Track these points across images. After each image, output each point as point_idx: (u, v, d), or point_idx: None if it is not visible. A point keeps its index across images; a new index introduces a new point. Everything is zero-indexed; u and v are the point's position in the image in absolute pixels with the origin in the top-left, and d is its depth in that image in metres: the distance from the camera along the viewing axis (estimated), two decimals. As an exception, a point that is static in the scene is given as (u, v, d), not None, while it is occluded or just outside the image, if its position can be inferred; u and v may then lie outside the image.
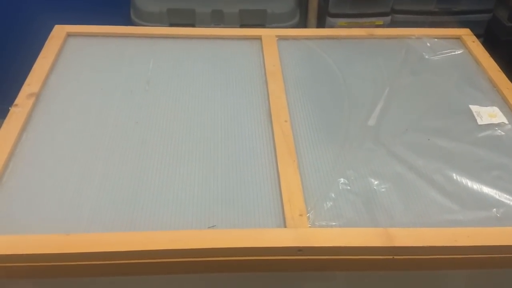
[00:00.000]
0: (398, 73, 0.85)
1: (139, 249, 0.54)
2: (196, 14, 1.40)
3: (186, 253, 0.55)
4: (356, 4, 1.40)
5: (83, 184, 0.62)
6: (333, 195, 0.62)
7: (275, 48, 0.89)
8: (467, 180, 0.65)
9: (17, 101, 0.73)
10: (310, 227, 0.58)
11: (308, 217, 0.59)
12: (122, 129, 0.71)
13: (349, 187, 0.63)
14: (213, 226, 0.58)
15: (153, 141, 0.70)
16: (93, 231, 0.56)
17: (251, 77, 0.83)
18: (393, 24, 1.41)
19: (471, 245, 0.57)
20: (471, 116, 0.76)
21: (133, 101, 0.77)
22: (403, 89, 0.81)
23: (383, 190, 0.63)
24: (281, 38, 0.92)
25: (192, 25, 1.39)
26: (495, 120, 0.75)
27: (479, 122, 0.75)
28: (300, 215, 0.59)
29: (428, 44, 0.92)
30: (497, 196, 0.63)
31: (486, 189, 0.64)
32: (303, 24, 1.48)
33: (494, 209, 0.61)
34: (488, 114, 0.77)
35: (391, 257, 0.56)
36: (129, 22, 1.40)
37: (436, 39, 0.94)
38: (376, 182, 0.64)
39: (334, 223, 0.59)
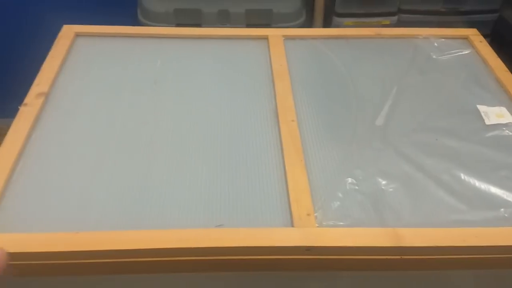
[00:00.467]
0: (406, 73, 0.85)
1: (147, 247, 0.54)
2: (202, 14, 1.40)
3: (193, 251, 0.55)
4: (363, 4, 1.39)
5: (92, 183, 0.63)
6: (340, 195, 0.62)
7: (281, 47, 0.90)
8: (475, 180, 0.65)
9: (26, 100, 0.74)
10: (317, 226, 0.58)
11: (316, 217, 0.59)
12: (130, 128, 0.72)
13: (356, 187, 0.63)
14: (220, 225, 0.58)
15: (161, 140, 0.70)
16: (101, 229, 0.57)
17: (257, 76, 0.84)
18: (399, 24, 1.41)
19: (479, 245, 0.56)
20: (479, 116, 0.76)
21: (141, 100, 0.77)
22: (411, 89, 0.81)
23: (391, 190, 0.63)
24: (288, 37, 0.93)
25: (199, 25, 1.39)
26: (502, 120, 0.75)
27: (487, 122, 0.75)
28: (308, 214, 0.59)
29: (436, 44, 0.92)
30: (505, 196, 0.63)
31: (494, 189, 0.64)
32: (309, 24, 1.48)
33: (502, 209, 0.61)
34: (495, 114, 0.77)
35: (399, 257, 0.56)
36: (136, 22, 1.41)
37: (443, 39, 0.94)
38: (384, 182, 0.64)
39: (342, 223, 0.59)
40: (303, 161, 0.66)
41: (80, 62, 0.84)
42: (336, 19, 1.42)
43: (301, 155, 0.67)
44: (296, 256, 0.56)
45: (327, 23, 1.47)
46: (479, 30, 0.96)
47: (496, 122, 0.75)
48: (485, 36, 0.95)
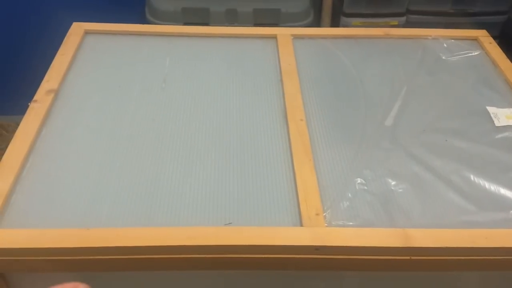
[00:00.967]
0: (415, 74, 0.85)
1: (157, 244, 0.54)
2: (210, 13, 1.40)
3: (202, 249, 0.55)
4: (371, 4, 1.39)
5: (102, 180, 0.63)
6: (350, 195, 0.62)
7: (290, 47, 0.90)
8: (485, 182, 0.65)
9: (36, 97, 0.74)
10: (326, 226, 0.58)
11: (325, 217, 0.59)
12: (139, 126, 0.72)
13: (366, 187, 0.63)
14: (229, 223, 0.58)
15: (170, 138, 0.70)
16: (111, 226, 0.57)
17: (266, 76, 0.84)
18: (408, 25, 1.40)
19: (488, 246, 0.56)
20: (488, 118, 0.76)
21: (149, 98, 0.77)
22: (420, 90, 0.81)
23: (400, 190, 0.63)
24: (296, 37, 0.93)
25: (206, 24, 1.39)
26: (512, 122, 0.75)
27: (496, 123, 0.75)
28: (317, 214, 0.59)
29: (445, 44, 0.92)
30: (514, 198, 0.63)
31: (504, 191, 0.64)
32: (316, 23, 1.48)
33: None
34: (505, 116, 0.76)
35: (408, 257, 0.56)
36: (144, 21, 1.41)
37: (452, 40, 0.93)
38: (393, 183, 0.64)
39: (351, 223, 0.59)
40: (312, 160, 0.66)
41: (89, 59, 0.84)
42: (344, 19, 1.42)
43: (310, 154, 0.67)
44: (304, 256, 0.56)
45: (335, 23, 1.46)
46: (488, 31, 0.96)
47: (506, 124, 0.75)
48: (494, 37, 0.95)
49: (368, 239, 0.56)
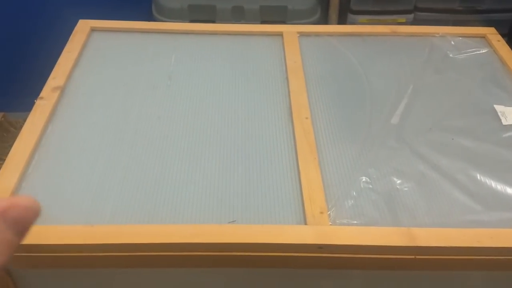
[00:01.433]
0: (422, 71, 0.84)
1: (161, 241, 0.54)
2: (216, 10, 1.40)
3: (206, 246, 0.55)
4: (378, 1, 1.38)
5: (107, 177, 0.63)
6: (354, 193, 0.62)
7: (296, 44, 0.89)
8: (491, 181, 0.64)
9: (42, 94, 0.74)
10: (331, 225, 0.58)
11: (329, 215, 0.59)
12: (145, 123, 0.72)
13: (371, 186, 0.63)
14: (233, 221, 0.58)
15: (175, 136, 0.70)
16: (116, 223, 0.57)
17: (272, 73, 0.83)
18: (415, 22, 1.40)
19: (494, 246, 0.56)
20: (496, 116, 0.75)
21: (155, 95, 0.77)
22: (427, 88, 0.81)
23: (405, 189, 0.63)
24: (302, 34, 0.92)
25: (213, 21, 1.40)
26: (520, 121, 0.74)
27: (504, 122, 0.74)
28: (321, 212, 0.59)
29: (453, 42, 0.91)
30: (521, 198, 0.62)
31: (510, 190, 0.63)
32: (323, 21, 1.47)
33: (518, 211, 0.61)
34: (513, 114, 0.75)
35: (412, 256, 0.56)
36: (150, 18, 1.42)
37: (460, 38, 0.92)
38: (398, 181, 0.63)
39: (355, 222, 0.58)
40: (316, 159, 0.66)
41: (95, 57, 0.85)
42: (351, 16, 1.41)
43: (315, 152, 0.67)
44: (308, 254, 0.56)
45: (341, 20, 1.46)
46: (496, 29, 0.95)
47: (513, 123, 0.74)
48: (502, 35, 0.94)
49: (372, 237, 0.56)
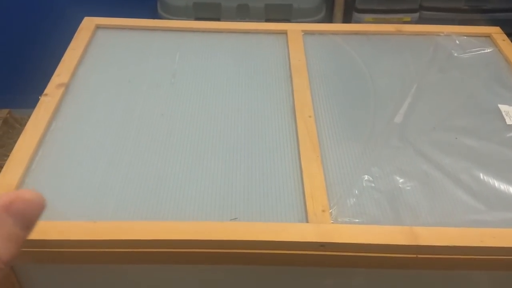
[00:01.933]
0: (426, 71, 0.84)
1: (162, 238, 0.54)
2: (221, 8, 1.40)
3: (208, 244, 0.55)
4: (384, 0, 1.38)
5: (110, 173, 0.63)
6: (356, 192, 0.62)
7: (300, 42, 0.89)
8: (494, 181, 0.64)
9: (46, 90, 0.75)
10: (332, 223, 0.58)
11: (331, 213, 0.59)
12: (148, 120, 0.72)
13: (373, 185, 0.63)
14: (235, 218, 0.59)
15: (178, 133, 0.70)
16: (118, 219, 0.57)
17: (276, 71, 0.83)
18: (421, 21, 1.39)
19: (497, 246, 0.56)
20: (500, 116, 0.75)
21: (159, 93, 0.78)
22: (431, 87, 0.80)
23: (408, 188, 0.62)
24: (307, 32, 0.92)
25: (218, 19, 1.40)
26: (524, 121, 0.74)
27: (508, 122, 0.74)
28: (323, 210, 0.59)
29: (457, 41, 0.91)
30: (525, 198, 0.62)
31: (514, 190, 0.63)
32: (329, 19, 1.47)
33: (522, 211, 0.60)
34: (517, 114, 0.75)
35: (414, 255, 0.56)
36: (155, 16, 1.42)
37: (465, 37, 0.92)
38: (401, 180, 0.63)
39: (357, 220, 0.58)
40: (319, 157, 0.66)
41: (100, 54, 0.85)
42: (356, 15, 1.41)
43: (318, 151, 0.67)
44: (310, 252, 0.56)
45: (347, 19, 1.46)
46: (502, 28, 0.94)
47: (518, 122, 0.73)
48: (508, 34, 0.94)
49: (374, 236, 0.56)
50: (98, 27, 0.91)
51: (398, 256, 0.56)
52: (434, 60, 0.86)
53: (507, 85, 0.81)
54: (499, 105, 0.77)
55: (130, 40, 0.89)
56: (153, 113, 0.73)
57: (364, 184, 0.63)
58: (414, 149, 0.68)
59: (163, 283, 0.62)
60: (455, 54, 0.88)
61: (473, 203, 0.61)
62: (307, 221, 0.58)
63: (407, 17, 1.39)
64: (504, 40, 0.91)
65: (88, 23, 0.91)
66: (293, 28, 0.93)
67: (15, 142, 0.66)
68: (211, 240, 0.55)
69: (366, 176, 0.64)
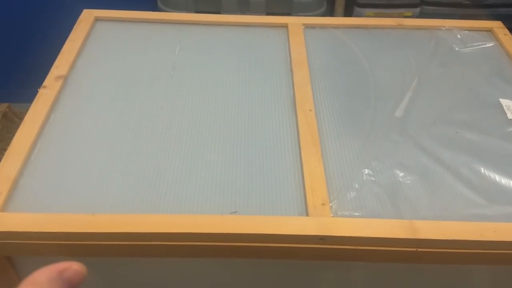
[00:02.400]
0: (427, 65, 0.83)
1: (162, 231, 0.54)
2: (222, 1, 1.40)
3: (207, 237, 0.55)
4: (385, -6, 1.38)
5: (109, 166, 0.63)
6: (357, 186, 0.62)
7: (301, 36, 0.89)
8: (495, 175, 0.64)
9: (45, 83, 0.74)
10: (332, 216, 0.57)
11: (331, 207, 0.58)
12: (148, 113, 0.72)
13: (373, 178, 0.63)
14: (235, 212, 0.58)
15: (178, 127, 0.70)
16: (117, 212, 0.57)
17: (276, 65, 0.83)
18: (422, 16, 1.39)
19: (497, 240, 0.55)
20: (501, 110, 0.75)
21: (158, 86, 0.77)
22: (432, 81, 0.80)
23: (408, 182, 0.62)
24: (308, 26, 0.92)
25: (218, 13, 1.39)
26: (525, 115, 0.74)
27: (509, 116, 0.74)
28: (323, 204, 0.58)
29: (459, 36, 0.90)
30: (525, 192, 0.62)
31: (514, 185, 0.63)
32: (329, 14, 1.47)
33: (522, 205, 0.60)
34: (518, 109, 0.75)
35: (414, 249, 0.55)
36: (156, 8, 1.41)
37: (466, 31, 0.92)
38: (401, 174, 0.63)
39: (357, 214, 0.58)
40: (319, 151, 0.65)
41: (99, 46, 0.85)
42: (357, 9, 1.40)
43: (318, 144, 0.66)
44: (309, 245, 0.56)
45: (348, 13, 1.45)
46: (503, 23, 0.94)
47: (519, 117, 0.73)
48: (509, 29, 0.93)
49: (373, 229, 0.56)
50: (97, 19, 0.90)
51: (398, 250, 0.56)
52: (435, 54, 0.86)
53: (508, 80, 0.81)
54: (500, 99, 0.76)
55: (129, 33, 0.89)
56: (152, 106, 0.73)
57: (364, 178, 0.63)
58: (414, 143, 0.68)
59: (163, 276, 0.62)
60: (456, 49, 0.88)
61: (474, 197, 0.61)
62: (307, 215, 0.57)
63: (408, 12, 1.39)
64: (505, 35, 0.90)
65: (87, 15, 0.90)
66: (294, 22, 0.92)
67: (14, 136, 0.65)
68: (210, 233, 0.55)
69: (366, 170, 0.64)
